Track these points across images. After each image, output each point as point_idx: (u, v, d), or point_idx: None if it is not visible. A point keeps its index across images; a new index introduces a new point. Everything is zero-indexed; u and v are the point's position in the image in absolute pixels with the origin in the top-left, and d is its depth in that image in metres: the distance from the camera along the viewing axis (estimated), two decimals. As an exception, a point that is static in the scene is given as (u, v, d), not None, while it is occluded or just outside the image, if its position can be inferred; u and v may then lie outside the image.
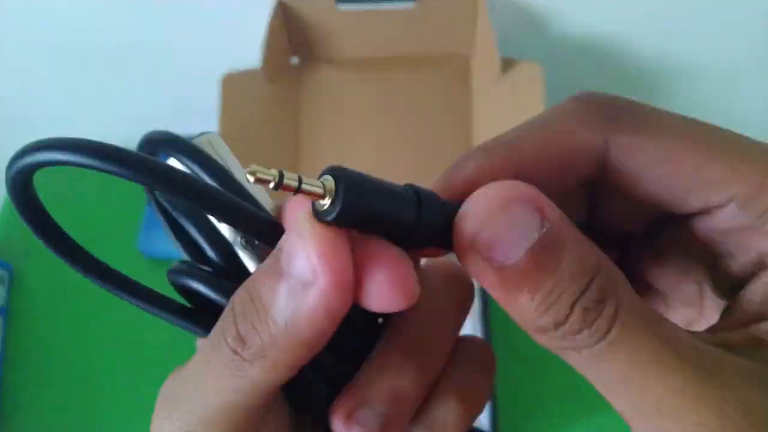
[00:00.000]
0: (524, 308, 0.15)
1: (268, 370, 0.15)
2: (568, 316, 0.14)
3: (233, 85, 0.64)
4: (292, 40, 0.68)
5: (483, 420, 0.63)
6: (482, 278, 0.15)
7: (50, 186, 0.94)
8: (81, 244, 0.33)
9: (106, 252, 0.86)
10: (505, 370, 0.69)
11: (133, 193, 0.80)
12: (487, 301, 0.64)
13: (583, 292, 0.14)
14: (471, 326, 0.66)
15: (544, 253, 0.14)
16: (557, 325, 0.14)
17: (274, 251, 0.16)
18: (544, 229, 0.14)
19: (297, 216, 0.15)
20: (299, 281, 0.15)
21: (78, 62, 0.73)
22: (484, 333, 0.63)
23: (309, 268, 0.14)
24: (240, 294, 0.16)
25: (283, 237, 0.16)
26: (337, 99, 0.70)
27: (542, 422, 0.67)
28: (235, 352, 0.15)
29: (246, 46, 0.67)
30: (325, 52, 0.69)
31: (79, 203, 0.80)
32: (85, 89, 0.77)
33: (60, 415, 0.68)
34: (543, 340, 0.15)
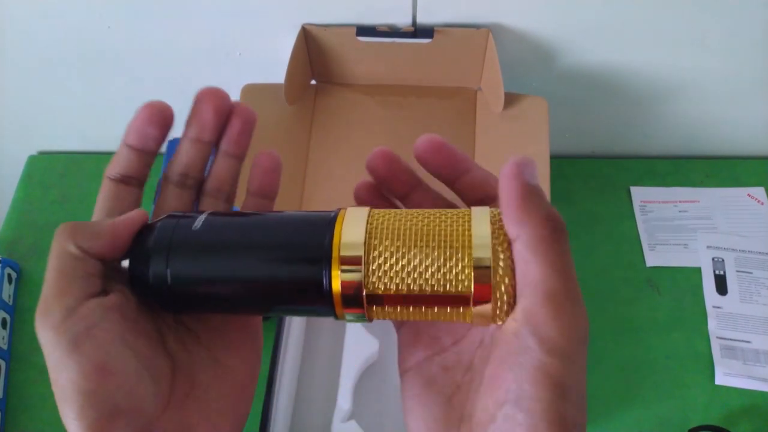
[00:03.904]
0: (529, 203, 0.26)
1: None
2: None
3: (251, 95, 0.67)
4: (313, 64, 0.70)
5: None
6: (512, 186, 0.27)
7: (60, 186, 0.96)
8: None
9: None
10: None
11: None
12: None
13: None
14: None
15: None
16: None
17: None
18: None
19: None
20: None
21: (101, 71, 0.74)
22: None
23: None
24: None
25: None
26: (348, 118, 0.72)
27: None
28: None
29: (270, 66, 0.69)
30: (342, 76, 0.72)
31: (89, 202, 0.82)
32: (115, 97, 0.78)
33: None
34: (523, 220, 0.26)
